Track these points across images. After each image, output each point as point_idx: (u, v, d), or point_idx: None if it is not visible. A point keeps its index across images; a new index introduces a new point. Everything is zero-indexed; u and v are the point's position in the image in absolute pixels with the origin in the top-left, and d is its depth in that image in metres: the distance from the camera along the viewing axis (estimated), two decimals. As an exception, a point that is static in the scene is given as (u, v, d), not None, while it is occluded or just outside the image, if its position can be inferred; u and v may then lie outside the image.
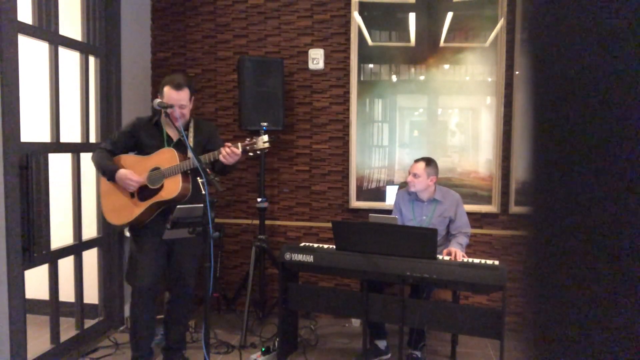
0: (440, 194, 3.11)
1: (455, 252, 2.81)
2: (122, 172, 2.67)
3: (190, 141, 2.75)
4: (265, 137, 2.62)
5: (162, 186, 2.66)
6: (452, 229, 3.10)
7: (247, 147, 2.62)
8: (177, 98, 2.67)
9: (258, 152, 2.65)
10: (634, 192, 0.32)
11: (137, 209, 2.70)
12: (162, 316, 3.07)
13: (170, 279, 2.90)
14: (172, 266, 2.85)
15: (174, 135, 2.77)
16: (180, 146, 2.73)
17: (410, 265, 2.64)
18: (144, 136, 2.77)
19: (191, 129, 2.80)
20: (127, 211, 2.73)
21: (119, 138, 2.81)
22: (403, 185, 3.42)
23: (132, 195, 2.73)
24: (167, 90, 2.68)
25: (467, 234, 3.09)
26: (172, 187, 2.64)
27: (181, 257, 2.83)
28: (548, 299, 0.36)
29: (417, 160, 3.11)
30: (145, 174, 2.70)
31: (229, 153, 2.57)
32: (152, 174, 2.69)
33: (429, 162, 3.08)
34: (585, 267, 0.34)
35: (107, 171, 2.70)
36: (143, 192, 2.71)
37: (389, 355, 3.15)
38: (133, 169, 2.70)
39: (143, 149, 2.77)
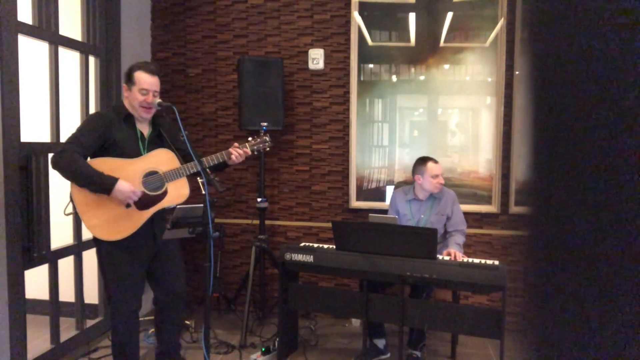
0: (438, 192, 3.11)
1: (455, 254, 2.81)
2: (122, 185, 2.33)
3: (162, 134, 2.59)
4: (267, 138, 2.73)
5: (165, 192, 2.47)
6: (448, 226, 3.11)
7: (255, 147, 2.67)
8: (152, 82, 2.48)
9: (262, 150, 2.73)
10: (635, 191, 0.32)
11: (139, 219, 2.43)
12: (151, 317, 3.00)
13: (158, 286, 2.69)
14: (158, 273, 2.65)
15: (145, 131, 2.57)
16: (154, 142, 2.56)
17: (410, 265, 2.64)
18: (116, 133, 2.44)
19: (156, 124, 2.61)
20: (126, 223, 2.41)
21: (87, 137, 2.38)
22: (399, 185, 3.43)
23: (126, 204, 2.41)
24: (139, 74, 2.47)
25: (463, 232, 3.10)
26: (180, 192, 2.47)
27: (167, 262, 2.66)
28: (548, 299, 0.36)
29: (435, 161, 3.06)
30: (137, 180, 2.43)
31: (241, 154, 2.58)
32: (149, 179, 2.45)
33: None
34: (586, 267, 0.34)
35: (99, 182, 2.32)
36: (141, 200, 2.43)
37: (388, 355, 3.14)
38: (120, 175, 2.36)
39: (113, 147, 2.43)
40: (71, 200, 2.41)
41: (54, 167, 2.34)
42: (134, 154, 2.48)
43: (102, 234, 2.41)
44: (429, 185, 3.05)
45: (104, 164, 2.38)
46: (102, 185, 2.32)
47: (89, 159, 2.43)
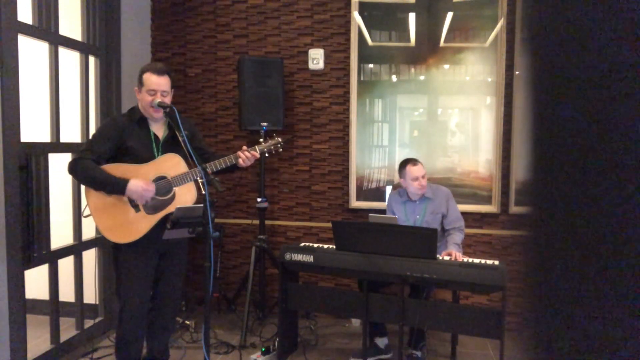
0: (430, 191, 3.11)
1: (456, 255, 2.80)
2: (135, 182, 2.38)
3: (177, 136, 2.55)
4: (280, 139, 2.66)
5: (173, 196, 2.49)
6: (445, 224, 3.10)
7: (265, 149, 2.61)
8: (159, 83, 2.49)
9: (274, 153, 2.66)
10: (634, 191, 0.32)
11: (148, 223, 2.47)
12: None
13: (158, 286, 2.70)
14: (161, 272, 2.67)
15: (160, 133, 2.59)
16: (169, 145, 2.57)
17: (410, 265, 2.64)
18: (129, 137, 2.50)
19: (171, 123, 2.58)
20: (135, 227, 2.46)
21: (101, 144, 2.47)
22: (396, 187, 3.42)
23: (135, 208, 2.46)
24: (147, 76, 2.50)
25: (461, 229, 3.09)
26: (188, 197, 2.49)
27: (172, 262, 2.68)
28: (547, 298, 0.36)
29: (415, 163, 3.05)
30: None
31: (249, 157, 2.54)
32: (158, 183, 2.47)
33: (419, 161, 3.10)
34: (585, 267, 0.34)
35: (112, 184, 2.39)
36: (149, 204, 2.48)
37: (390, 355, 3.13)
38: None
39: (128, 152, 2.49)
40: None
41: (70, 173, 2.47)
42: (148, 157, 2.52)
43: (114, 237, 2.47)
44: (411, 188, 3.05)
45: (114, 170, 2.44)
46: (116, 187, 2.40)
47: (105, 164, 2.50)
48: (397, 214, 3.16)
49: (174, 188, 2.50)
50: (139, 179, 2.42)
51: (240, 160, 2.53)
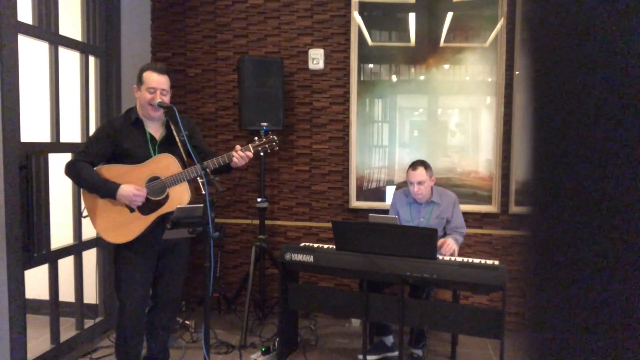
0: (438, 196, 3.10)
1: (445, 241, 2.83)
2: (125, 188, 2.42)
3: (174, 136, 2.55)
4: (274, 137, 2.64)
5: (166, 197, 2.49)
6: (448, 229, 3.10)
7: (260, 148, 2.60)
8: (159, 81, 2.50)
9: (269, 151, 2.65)
10: (633, 191, 0.32)
11: (142, 223, 2.49)
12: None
13: (157, 285, 2.71)
14: (161, 271, 2.68)
15: (157, 134, 2.59)
16: (165, 145, 2.57)
17: (410, 265, 2.64)
18: (125, 139, 2.51)
19: (171, 124, 2.56)
20: (130, 228, 2.49)
21: (96, 146, 2.51)
22: (400, 186, 3.41)
23: (130, 209, 2.49)
24: (147, 74, 2.52)
25: (462, 234, 3.10)
26: (181, 197, 2.49)
27: (171, 262, 2.69)
28: (547, 298, 0.36)
29: (414, 167, 3.01)
30: (141, 185, 2.48)
31: (242, 157, 2.53)
32: (152, 184, 2.49)
33: (426, 164, 3.05)
34: (585, 267, 0.34)
35: (104, 188, 2.44)
36: (144, 205, 2.49)
37: (396, 352, 3.13)
38: (125, 181, 2.46)
39: (124, 154, 2.51)
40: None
41: (66, 175, 2.51)
42: (145, 158, 2.52)
43: (109, 237, 2.52)
44: (411, 191, 3.05)
45: (109, 171, 2.48)
46: (107, 192, 2.45)
47: (102, 165, 2.54)
48: (402, 214, 3.15)
49: (168, 188, 2.50)
50: (131, 184, 2.45)
51: (235, 160, 2.53)
